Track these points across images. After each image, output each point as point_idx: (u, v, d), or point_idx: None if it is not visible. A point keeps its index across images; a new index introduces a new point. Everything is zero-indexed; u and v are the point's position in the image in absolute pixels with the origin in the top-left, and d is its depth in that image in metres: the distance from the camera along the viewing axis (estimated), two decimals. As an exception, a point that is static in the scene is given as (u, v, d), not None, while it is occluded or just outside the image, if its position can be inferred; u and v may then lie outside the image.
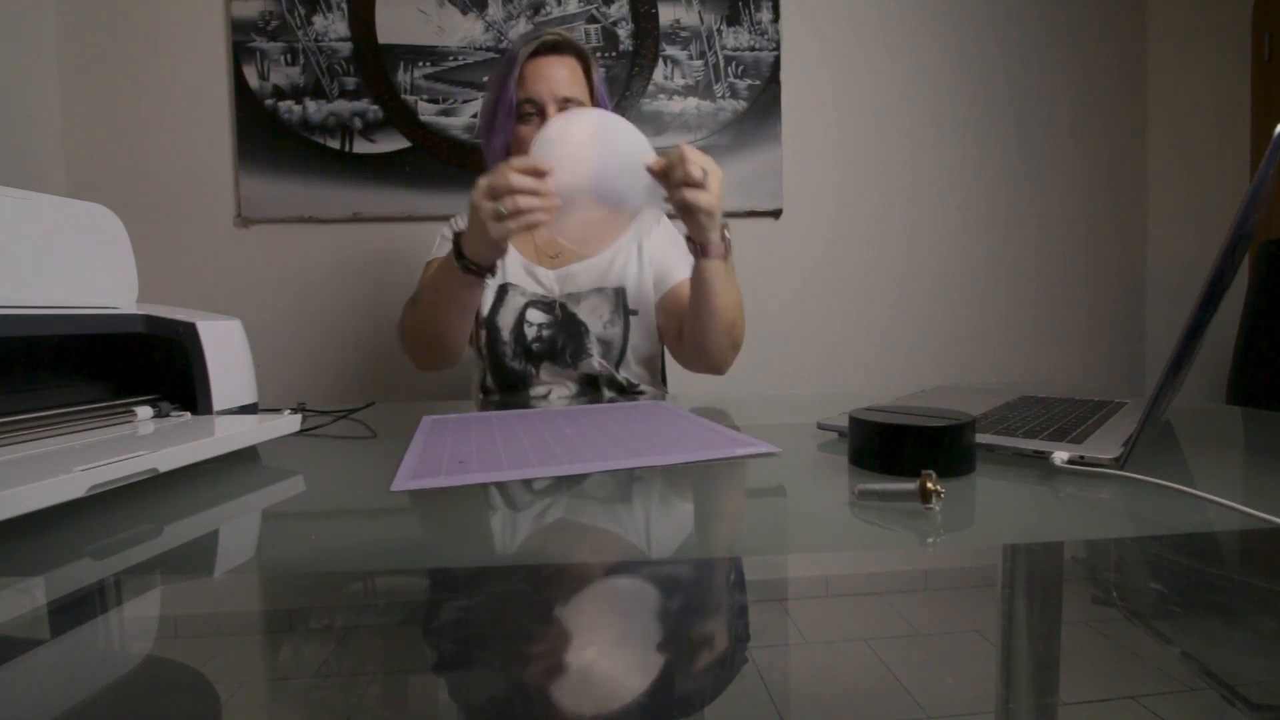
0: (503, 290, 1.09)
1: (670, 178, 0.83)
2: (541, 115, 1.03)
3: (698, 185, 0.82)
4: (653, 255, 1.14)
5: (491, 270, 0.90)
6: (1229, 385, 1.42)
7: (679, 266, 1.12)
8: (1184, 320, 0.46)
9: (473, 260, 0.87)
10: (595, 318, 1.08)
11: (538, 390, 1.09)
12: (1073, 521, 0.42)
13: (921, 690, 0.26)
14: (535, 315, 1.08)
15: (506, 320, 1.08)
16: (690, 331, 1.02)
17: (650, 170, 0.83)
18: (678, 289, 1.11)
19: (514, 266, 1.12)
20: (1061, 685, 0.28)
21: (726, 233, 0.92)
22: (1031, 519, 0.43)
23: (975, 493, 0.48)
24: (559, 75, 1.04)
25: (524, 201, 0.78)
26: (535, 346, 1.07)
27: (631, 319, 1.10)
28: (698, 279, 0.95)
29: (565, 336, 1.07)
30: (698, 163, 0.81)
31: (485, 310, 1.08)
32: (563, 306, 1.09)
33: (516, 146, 1.06)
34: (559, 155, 0.81)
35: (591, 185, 0.83)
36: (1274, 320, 1.35)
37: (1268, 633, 0.30)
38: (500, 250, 0.87)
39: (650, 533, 0.43)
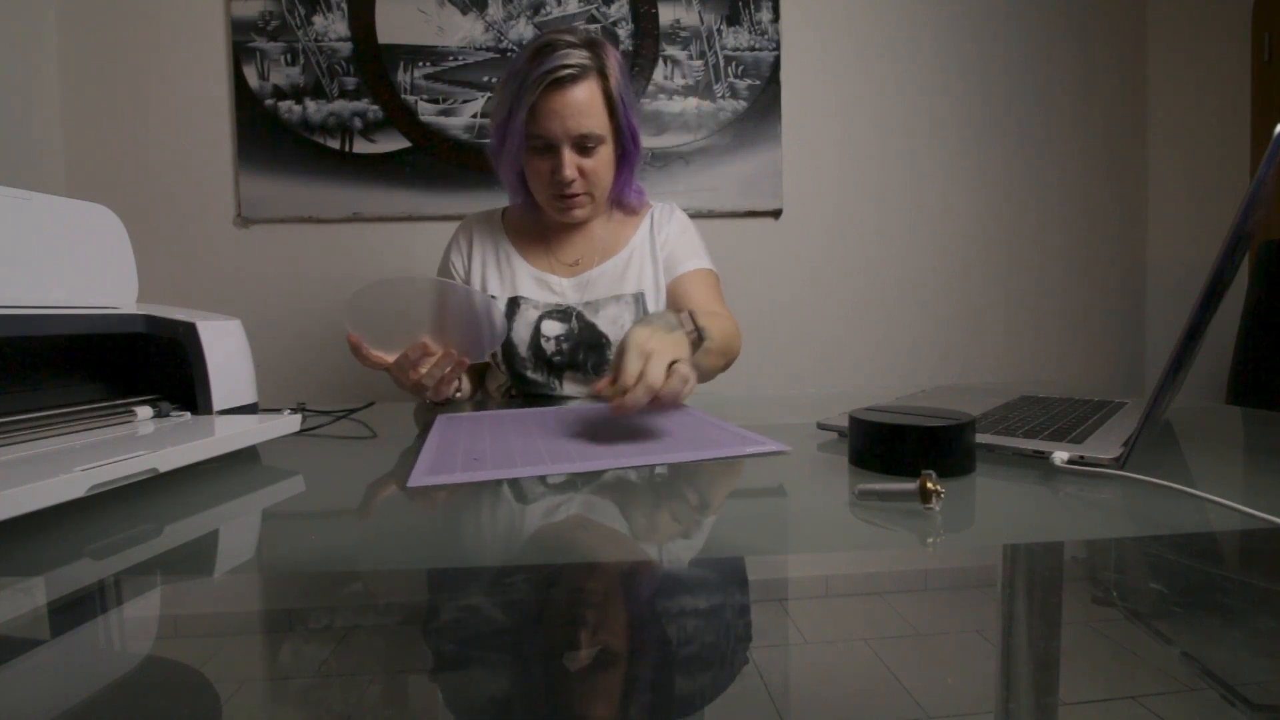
0: (514, 303, 1.06)
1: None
2: (554, 150, 0.98)
3: (670, 392, 0.65)
4: (664, 251, 1.11)
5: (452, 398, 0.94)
6: (1229, 385, 1.42)
7: (687, 257, 1.11)
8: (1184, 320, 0.46)
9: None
10: (615, 327, 1.04)
11: (559, 396, 1.07)
12: (1073, 521, 0.42)
13: (921, 690, 0.26)
14: (551, 327, 1.04)
15: (521, 335, 1.04)
16: None
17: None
18: (682, 283, 1.08)
19: (524, 278, 1.08)
20: (1061, 685, 0.28)
21: (689, 333, 0.77)
22: (1031, 519, 0.43)
23: (975, 493, 0.48)
24: (575, 108, 0.95)
25: (433, 381, 0.84)
26: (555, 359, 1.04)
27: None
28: None
29: (585, 349, 1.04)
30: (643, 386, 0.63)
31: None
32: (579, 315, 1.05)
33: (530, 175, 1.02)
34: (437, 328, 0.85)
35: (459, 335, 0.86)
36: (1274, 320, 1.35)
37: (1268, 633, 0.30)
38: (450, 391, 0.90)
39: (652, 533, 0.43)
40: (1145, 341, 1.89)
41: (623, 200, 1.14)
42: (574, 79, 0.94)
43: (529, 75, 0.94)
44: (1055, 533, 0.41)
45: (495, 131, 1.04)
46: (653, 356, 0.64)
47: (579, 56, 0.94)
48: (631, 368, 0.63)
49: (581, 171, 0.99)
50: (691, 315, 0.80)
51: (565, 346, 1.03)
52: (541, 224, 1.12)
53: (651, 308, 1.07)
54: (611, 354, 1.03)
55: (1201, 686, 0.27)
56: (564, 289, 1.08)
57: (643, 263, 1.10)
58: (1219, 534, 0.40)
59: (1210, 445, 0.64)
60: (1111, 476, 0.48)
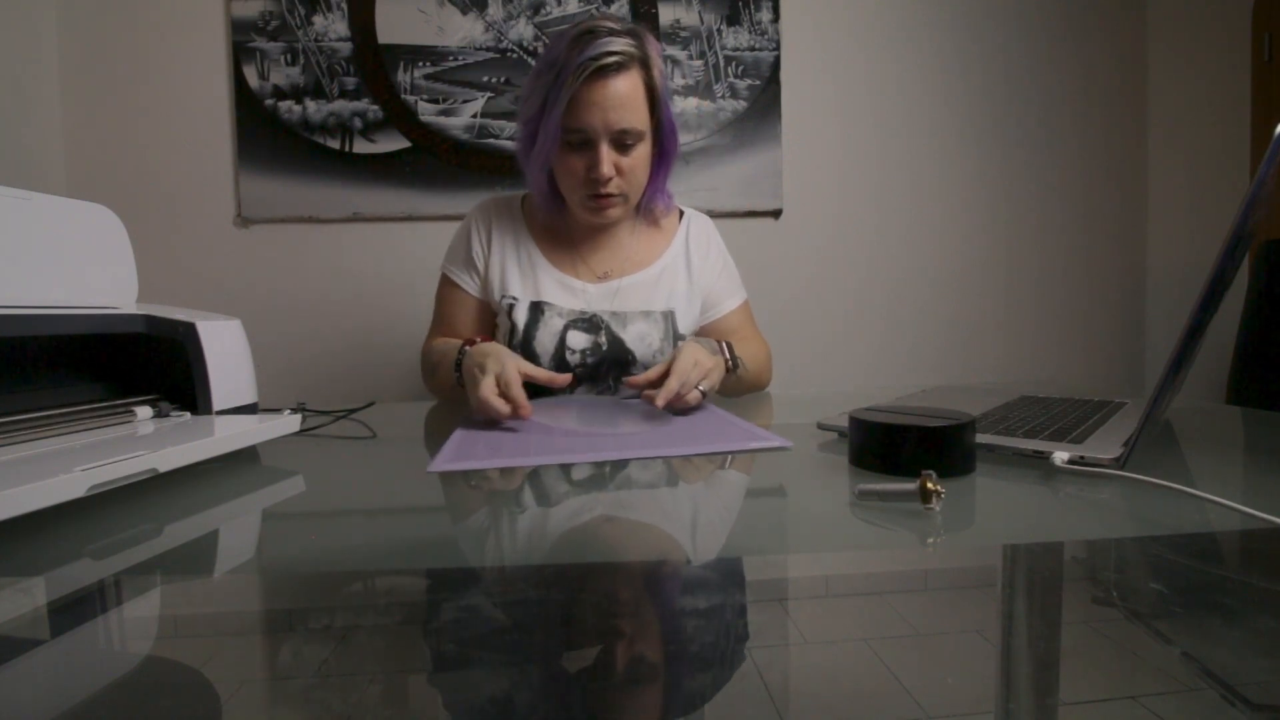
0: (537, 309, 0.98)
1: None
2: (591, 145, 0.90)
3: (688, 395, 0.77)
4: (702, 283, 1.07)
5: None
6: (1229, 385, 1.42)
7: (729, 295, 1.09)
8: (1184, 320, 0.46)
9: None
10: (643, 344, 0.98)
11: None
12: (1073, 521, 0.42)
13: (921, 690, 0.26)
14: (577, 339, 0.97)
15: (546, 344, 0.96)
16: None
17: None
18: (723, 322, 1.08)
19: (548, 282, 1.00)
20: (1061, 685, 0.28)
21: (726, 360, 0.91)
22: (1031, 519, 0.43)
23: (975, 493, 0.48)
24: (617, 100, 0.88)
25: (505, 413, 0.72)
26: (579, 372, 0.97)
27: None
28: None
29: (610, 364, 0.98)
30: (682, 383, 0.76)
31: (520, 330, 0.97)
32: (607, 328, 0.98)
33: (561, 173, 0.95)
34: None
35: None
36: (1274, 320, 1.35)
37: (1268, 633, 0.30)
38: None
39: (652, 533, 0.43)
40: (1145, 341, 1.89)
41: (652, 206, 1.06)
42: (617, 68, 0.87)
43: (569, 64, 0.86)
44: (1055, 533, 0.41)
45: (525, 127, 0.96)
46: (696, 368, 0.78)
47: (622, 44, 0.87)
48: (681, 371, 0.77)
49: (618, 170, 0.92)
50: (730, 347, 0.94)
51: (590, 361, 0.97)
52: (567, 226, 1.05)
53: (681, 325, 1.02)
54: (636, 370, 0.98)
55: (1201, 686, 0.27)
56: (590, 296, 1.01)
57: (675, 279, 1.04)
58: (1219, 534, 0.40)
59: (1210, 445, 0.64)
60: (1111, 476, 0.48)
